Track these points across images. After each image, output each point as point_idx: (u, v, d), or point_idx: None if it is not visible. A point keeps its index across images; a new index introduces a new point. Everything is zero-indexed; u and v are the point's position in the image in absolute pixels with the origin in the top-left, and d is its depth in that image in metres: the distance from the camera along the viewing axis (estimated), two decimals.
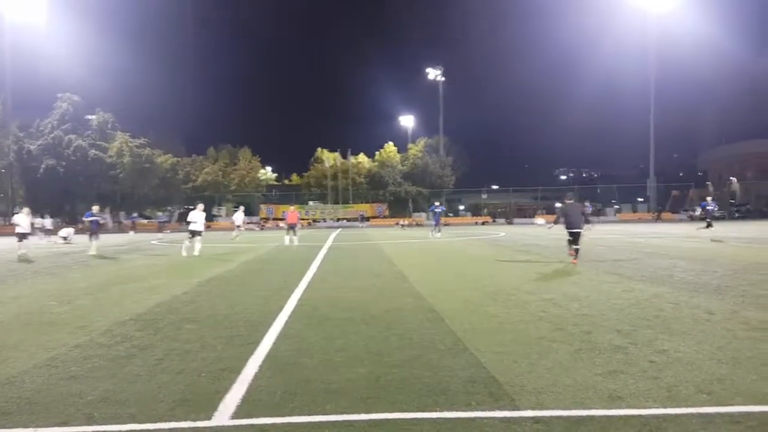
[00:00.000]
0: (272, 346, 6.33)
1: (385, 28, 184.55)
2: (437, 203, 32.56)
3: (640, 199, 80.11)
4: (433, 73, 77.60)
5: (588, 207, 40.03)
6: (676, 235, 28.69)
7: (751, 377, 4.77)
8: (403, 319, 7.65)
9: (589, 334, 6.53)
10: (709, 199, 27.19)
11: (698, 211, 26.54)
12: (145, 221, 67.46)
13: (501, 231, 39.44)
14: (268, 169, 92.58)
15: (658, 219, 65.69)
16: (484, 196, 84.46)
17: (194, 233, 20.39)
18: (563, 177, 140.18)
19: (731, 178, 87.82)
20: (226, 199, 77.25)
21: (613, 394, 4.45)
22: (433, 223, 31.58)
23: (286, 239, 25.51)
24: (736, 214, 68.65)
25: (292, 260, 17.66)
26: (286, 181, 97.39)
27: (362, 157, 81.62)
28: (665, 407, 4.14)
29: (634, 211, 73.97)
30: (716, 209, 29.15)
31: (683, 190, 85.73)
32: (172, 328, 7.47)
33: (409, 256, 18.62)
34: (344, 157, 78.31)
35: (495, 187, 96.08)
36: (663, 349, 5.78)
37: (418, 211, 74.13)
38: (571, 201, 15.29)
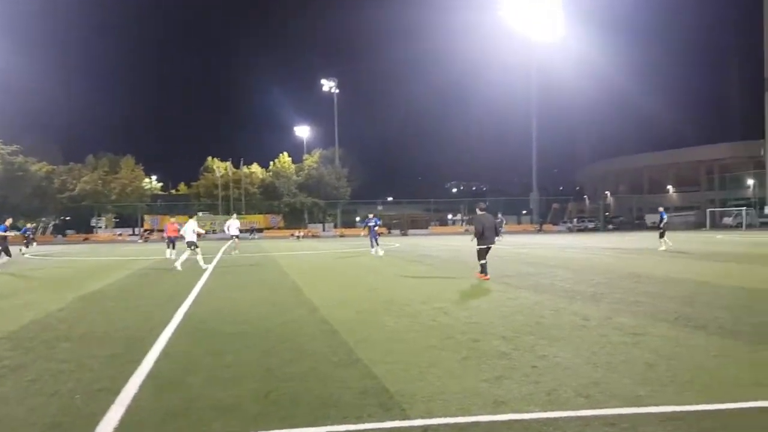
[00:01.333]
0: (155, 364, 6.02)
1: (281, 38, 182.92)
2: (371, 215, 26.95)
3: (524, 212, 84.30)
4: (328, 85, 77.78)
5: (501, 219, 38.65)
6: (557, 246, 30.37)
7: (624, 380, 5.09)
8: (297, 332, 7.55)
9: (477, 342, 6.73)
10: (661, 209, 26.28)
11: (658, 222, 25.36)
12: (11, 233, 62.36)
13: (396, 242, 40.05)
14: (153, 178, 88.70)
15: (540, 230, 69.29)
16: (379, 208, 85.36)
17: (191, 245, 18.83)
18: (454, 190, 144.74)
19: (606, 192, 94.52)
20: (105, 209, 73.17)
21: (498, 400, 4.60)
22: (371, 237, 25.49)
23: (167, 253, 23.39)
24: (610, 226, 73.72)
25: (179, 273, 16.96)
26: (174, 191, 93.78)
27: (255, 167, 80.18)
28: (546, 411, 4.33)
29: (519, 223, 77.60)
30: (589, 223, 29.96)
31: (563, 203, 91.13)
32: (46, 346, 6.94)
33: (304, 268, 18.45)
34: (236, 166, 76.55)
35: (390, 198, 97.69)
36: (544, 355, 6.06)
37: (314, 222, 73.80)
38: (484, 212, 13.70)
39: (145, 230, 66.76)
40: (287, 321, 8.38)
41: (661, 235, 25.31)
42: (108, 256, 27.24)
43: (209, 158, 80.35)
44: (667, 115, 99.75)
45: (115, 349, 6.77)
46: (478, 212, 13.64)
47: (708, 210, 71.39)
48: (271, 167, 79.48)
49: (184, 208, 76.89)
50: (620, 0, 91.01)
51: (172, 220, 24.57)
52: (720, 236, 41.82)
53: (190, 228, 18.99)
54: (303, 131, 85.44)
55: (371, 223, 25.73)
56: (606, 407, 4.38)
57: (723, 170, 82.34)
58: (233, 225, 28.33)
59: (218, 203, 73.77)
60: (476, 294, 11.03)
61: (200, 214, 74.53)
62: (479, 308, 9.24)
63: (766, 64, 68.44)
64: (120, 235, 67.91)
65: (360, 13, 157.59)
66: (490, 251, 13.42)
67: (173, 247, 23.22)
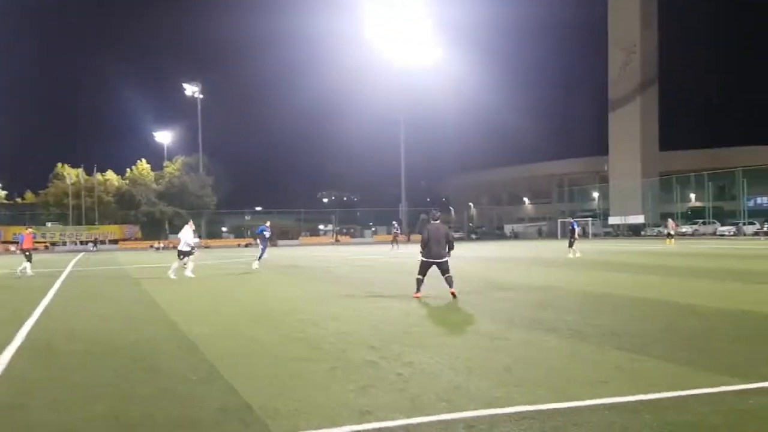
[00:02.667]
0: None
1: (140, 39, 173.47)
2: (268, 223, 24.60)
3: (393, 222, 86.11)
4: (191, 89, 74.64)
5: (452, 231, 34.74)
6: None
7: (483, 383, 5.26)
8: (152, 349, 7.09)
9: (345, 352, 6.69)
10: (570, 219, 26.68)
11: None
12: None
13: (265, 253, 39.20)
14: None
15: (408, 240, 71.11)
16: (247, 218, 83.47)
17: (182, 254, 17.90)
18: (326, 200, 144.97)
19: (469, 203, 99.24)
20: None
21: (364, 409, 4.57)
22: (261, 248, 24.06)
23: (25, 265, 20.96)
24: (474, 236, 77.33)
25: (24, 288, 15.44)
26: (19, 200, 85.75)
27: (111, 174, 75.21)
28: (409, 417, 4.35)
29: (389, 233, 79.15)
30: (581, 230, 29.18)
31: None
32: None
33: (164, 282, 17.51)
34: (89, 173, 71.46)
35: (258, 208, 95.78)
36: (409, 362, 6.13)
37: (176, 233, 70.52)
38: (438, 221, 11.98)
39: None
40: (142, 338, 7.86)
41: (570, 245, 26.26)
42: None
43: (59, 164, 74.25)
44: (525, 132, 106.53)
45: None
46: (431, 221, 12.07)
47: (559, 220, 77.04)
48: (128, 174, 75.01)
49: (31, 217, 70.51)
50: (486, 25, 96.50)
51: (29, 230, 22.83)
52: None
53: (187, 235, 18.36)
54: (164, 137, 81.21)
55: (267, 233, 24.26)
56: (466, 410, 4.48)
57: (572, 183, 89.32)
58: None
59: (69, 212, 68.38)
60: (346, 304, 11.03)
61: (49, 224, 68.74)
62: (348, 318, 9.22)
63: (610, 87, 75.44)
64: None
65: (230, 19, 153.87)
66: (436, 267, 11.60)
67: (30, 260, 21.12)
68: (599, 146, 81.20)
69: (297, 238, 73.74)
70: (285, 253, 40.09)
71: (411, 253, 34.34)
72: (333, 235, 75.89)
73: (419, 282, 11.59)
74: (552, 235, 74.54)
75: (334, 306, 10.72)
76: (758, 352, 6.37)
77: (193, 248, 18.56)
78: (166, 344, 7.46)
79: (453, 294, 11.30)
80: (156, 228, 69.14)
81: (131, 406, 4.81)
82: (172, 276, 17.59)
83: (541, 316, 8.99)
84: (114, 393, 5.21)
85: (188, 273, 17.97)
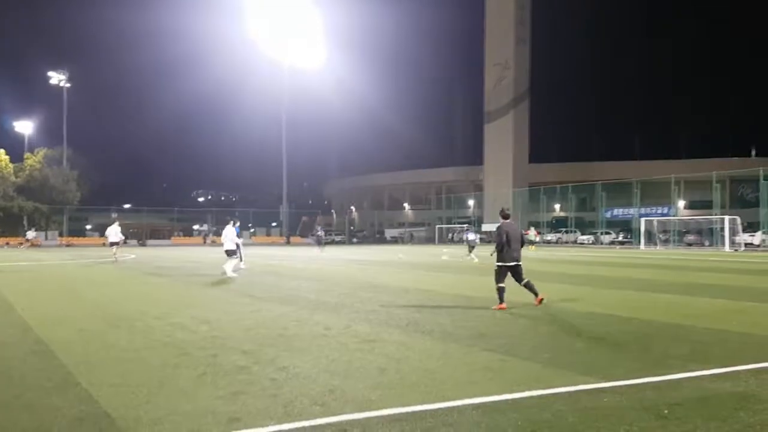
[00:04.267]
0: None
1: None
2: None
3: (273, 224, 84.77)
4: (57, 78, 69.24)
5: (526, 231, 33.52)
6: (304, 258, 31.03)
7: (358, 386, 5.26)
8: (3, 355, 6.49)
9: (216, 357, 6.44)
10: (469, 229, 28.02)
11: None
12: None
13: (132, 253, 37.17)
14: None
15: (288, 242, 70.32)
16: (113, 215, 78.60)
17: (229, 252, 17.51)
18: (201, 199, 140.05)
19: (351, 207, 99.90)
20: None
21: (233, 416, 4.40)
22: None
23: None
24: (355, 239, 77.87)
25: None
26: None
27: None
28: (281, 423, 4.25)
29: (269, 234, 77.82)
30: (476, 239, 31.23)
31: (312, 216, 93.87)
32: None
33: (20, 282, 16.07)
34: None
35: (127, 206, 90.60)
36: (284, 366, 6.01)
37: (35, 230, 64.99)
38: (509, 220, 10.69)
39: None
40: None
41: (471, 249, 27.88)
42: None
43: None
44: (408, 139, 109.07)
45: None
46: (502, 219, 10.61)
47: (437, 226, 79.44)
48: None
49: None
50: (372, 32, 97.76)
51: None
52: (446, 250, 46.69)
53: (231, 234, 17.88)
54: (25, 127, 74.68)
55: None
56: (340, 414, 4.45)
57: (450, 191, 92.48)
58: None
59: None
60: (218, 307, 10.66)
61: None
62: (220, 322, 8.91)
63: (486, 100, 79.08)
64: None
65: (106, 8, 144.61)
66: (510, 271, 10.37)
67: None
68: (476, 156, 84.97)
69: (169, 238, 70.46)
70: (155, 253, 38.21)
71: (292, 256, 33.95)
72: (204, 237, 73.05)
73: (502, 291, 10.26)
74: (430, 240, 76.70)
75: (206, 310, 10.33)
76: (613, 353, 6.87)
77: (238, 246, 18.24)
78: (18, 349, 6.84)
79: (541, 301, 10.32)
80: (13, 224, 63.31)
81: None
82: (230, 274, 17.05)
83: (416, 318, 9.19)
84: None
85: (230, 273, 17.20)
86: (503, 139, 76.51)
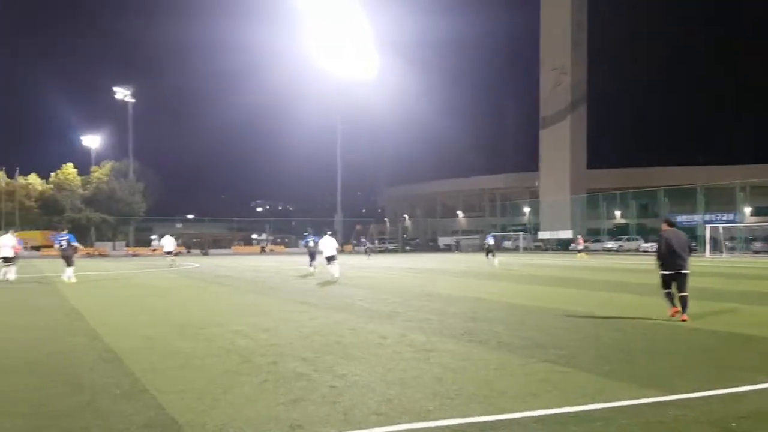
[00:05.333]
0: None
1: (68, 39, 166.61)
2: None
3: (329, 232, 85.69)
4: (122, 93, 72.18)
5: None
6: (356, 266, 31.25)
7: (416, 396, 5.27)
8: (73, 362, 6.77)
9: (276, 364, 6.58)
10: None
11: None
12: None
13: (196, 262, 38.27)
14: None
15: (342, 251, 70.87)
16: (178, 226, 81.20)
17: (329, 259, 20.31)
18: (259, 209, 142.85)
19: (404, 215, 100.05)
20: None
21: (294, 423, 4.49)
22: None
23: (7, 272, 20.03)
24: (408, 248, 77.86)
25: None
26: None
27: (34, 178, 71.61)
28: (342, 431, 4.32)
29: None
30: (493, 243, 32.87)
31: (365, 225, 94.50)
32: None
33: (89, 291, 16.78)
34: (10, 176, 67.80)
35: (190, 216, 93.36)
36: (342, 374, 6.09)
37: (102, 240, 67.76)
38: (672, 228, 10.52)
39: None
40: (62, 350, 7.48)
41: (492, 255, 29.64)
42: None
43: None
44: (460, 146, 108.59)
45: None
46: (665, 228, 10.51)
47: (491, 234, 78.65)
48: (52, 178, 71.65)
49: None
50: (423, 42, 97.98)
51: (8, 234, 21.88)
52: (501, 258, 46.15)
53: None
54: (92, 141, 78.06)
55: None
56: (399, 423, 4.48)
57: (504, 198, 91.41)
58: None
59: None
60: (276, 315, 10.86)
61: None
62: (278, 329, 9.08)
63: (542, 105, 77.92)
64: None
65: (162, 25, 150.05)
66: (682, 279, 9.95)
67: (11, 264, 20.34)
68: (531, 162, 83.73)
69: (230, 247, 72.21)
70: (217, 262, 39.20)
71: (345, 264, 34.25)
72: (263, 245, 74.41)
73: (670, 296, 10.10)
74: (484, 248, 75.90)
75: (265, 317, 10.54)
76: (675, 364, 6.66)
77: (336, 252, 21.10)
78: (87, 356, 7.13)
79: (684, 320, 9.72)
80: (82, 234, 66.22)
81: (51, 422, 4.57)
82: (337, 275, 19.83)
83: (471, 327, 9.13)
84: (32, 408, 4.94)
85: (336, 274, 19.96)
86: (560, 145, 75.09)
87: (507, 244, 76.30)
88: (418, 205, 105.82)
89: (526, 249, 70.98)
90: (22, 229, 65.25)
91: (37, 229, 66.21)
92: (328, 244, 20.98)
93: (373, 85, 73.17)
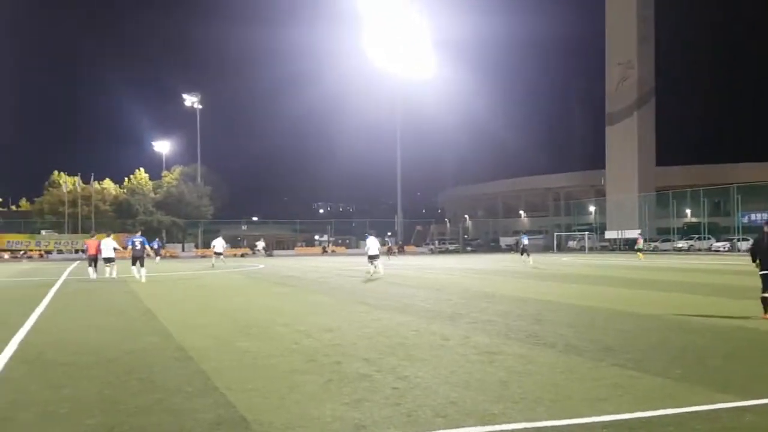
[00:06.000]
0: None
1: (139, 48, 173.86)
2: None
3: (389, 233, 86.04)
4: (190, 100, 74.75)
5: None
6: (417, 266, 31.24)
7: (479, 399, 5.22)
8: (147, 361, 7.04)
9: (339, 364, 6.65)
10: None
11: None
12: None
13: (260, 263, 39.17)
14: None
15: (402, 251, 71.01)
16: (243, 228, 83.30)
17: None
18: (321, 210, 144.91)
19: (465, 215, 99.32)
20: None
21: (359, 423, 4.53)
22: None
23: (90, 272, 22.69)
24: (469, 248, 77.24)
25: (15, 298, 15.37)
26: (14, 208, 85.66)
27: (108, 183, 75.03)
28: None
29: (383, 244, 78.99)
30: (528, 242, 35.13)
31: (425, 226, 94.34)
32: None
33: (160, 291, 17.44)
34: (86, 181, 71.25)
35: (255, 218, 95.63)
36: (405, 375, 6.10)
37: (173, 242, 70.29)
38: None
39: None
40: (136, 349, 7.80)
41: (525, 253, 31.91)
42: None
43: (55, 172, 74.09)
44: (521, 145, 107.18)
45: None
46: (766, 229, 9.98)
47: (555, 234, 77.00)
48: (125, 183, 74.85)
49: (26, 225, 70.27)
50: (482, 42, 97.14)
51: (94, 237, 24.96)
52: (565, 258, 45.18)
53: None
54: (162, 146, 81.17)
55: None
56: (463, 426, 4.45)
57: (568, 197, 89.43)
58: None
59: (65, 221, 68.13)
60: (339, 316, 10.98)
61: (43, 232, 68.44)
62: (342, 330, 9.18)
63: (608, 102, 75.81)
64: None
65: (227, 31, 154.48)
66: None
67: (95, 266, 23.01)
68: (596, 160, 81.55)
69: (292, 248, 73.56)
70: (280, 263, 40.00)
71: (406, 265, 34.28)
72: (325, 246, 75.39)
73: (765, 301, 9.69)
74: (549, 248, 74.52)
75: (328, 317, 10.68)
76: (751, 368, 6.36)
77: (379, 252, 23.45)
78: (160, 355, 7.40)
79: (766, 318, 9.51)
80: (153, 238, 68.92)
81: (125, 419, 4.76)
82: (382, 272, 21.88)
83: (536, 330, 8.97)
84: (107, 405, 5.16)
85: (381, 272, 21.95)
86: (627, 142, 72.79)
87: (572, 244, 74.62)
88: (479, 206, 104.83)
89: (591, 249, 69.17)
90: (97, 232, 68.62)
91: (112, 232, 69.21)
92: (371, 244, 23.20)
93: (434, 85, 73.12)
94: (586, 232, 72.74)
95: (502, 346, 7.67)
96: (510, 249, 76.24)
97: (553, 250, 71.77)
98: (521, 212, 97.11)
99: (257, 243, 60.98)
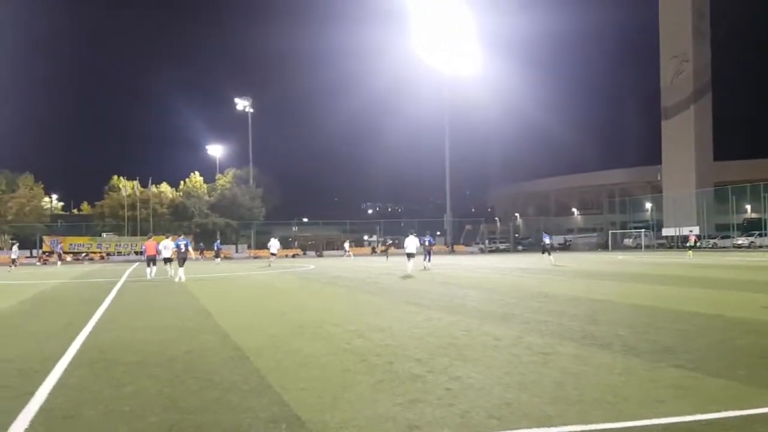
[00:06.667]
0: (48, 397, 5.57)
1: (192, 54, 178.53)
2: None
3: (438, 233, 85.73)
4: (242, 104, 76.38)
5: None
6: (467, 266, 31.03)
7: (534, 400, 5.15)
8: (204, 360, 7.22)
9: (391, 364, 6.68)
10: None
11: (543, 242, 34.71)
12: None
13: (311, 263, 39.63)
14: (54, 197, 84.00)
15: (452, 251, 70.65)
16: (294, 229, 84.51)
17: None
18: (370, 211, 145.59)
19: (516, 214, 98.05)
20: (1, 230, 68.34)
21: (412, 424, 4.54)
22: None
23: (148, 272, 23.89)
24: (520, 247, 76.27)
25: (79, 298, 16.00)
26: (76, 211, 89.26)
27: (165, 187, 77.37)
28: None
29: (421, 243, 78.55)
30: (552, 241, 36.74)
31: (475, 225, 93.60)
32: None
33: (216, 292, 17.86)
34: (144, 185, 73.65)
35: (305, 219, 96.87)
36: (457, 376, 6.07)
37: (226, 243, 71.80)
38: None
39: (44, 252, 62.62)
40: (194, 348, 8.01)
41: (548, 253, 32.97)
42: (1, 281, 25.36)
43: (115, 177, 76.86)
44: (573, 142, 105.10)
45: (5, 380, 6.24)
46: None
47: (610, 231, 75.28)
48: (181, 187, 76.99)
49: (87, 228, 73.05)
50: (531, 37, 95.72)
51: (151, 239, 26.34)
52: (621, 257, 44.11)
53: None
54: (216, 150, 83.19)
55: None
56: (517, 428, 4.40)
57: (623, 194, 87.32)
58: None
59: (124, 224, 70.55)
60: (389, 316, 11.01)
61: (104, 235, 70.99)
62: (393, 330, 9.21)
63: (663, 96, 73.64)
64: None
65: (275, 33, 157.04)
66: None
67: (154, 265, 24.39)
68: (651, 156, 79.36)
69: (342, 249, 74.05)
70: (331, 263, 40.37)
71: (455, 264, 34.09)
72: (374, 246, 75.62)
73: None
74: (604, 246, 72.89)
75: (379, 317, 10.72)
76: None
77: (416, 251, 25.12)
78: (218, 354, 7.57)
79: None
80: (208, 238, 70.60)
81: (184, 416, 4.90)
82: (410, 270, 23.56)
83: (592, 330, 8.79)
84: (168, 403, 5.32)
85: (429, 265, 25.28)
86: (683, 136, 70.60)
87: (628, 241, 72.82)
88: (530, 204, 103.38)
89: (648, 247, 67.29)
90: (156, 235, 70.73)
91: (169, 234, 71.24)
92: (410, 243, 24.80)
93: (482, 81, 72.47)
94: (643, 230, 70.85)
95: (556, 347, 7.55)
96: (563, 247, 74.97)
97: (608, 248, 70.15)
98: (574, 210, 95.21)
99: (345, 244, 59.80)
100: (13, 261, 34.49)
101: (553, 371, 6.22)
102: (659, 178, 75.88)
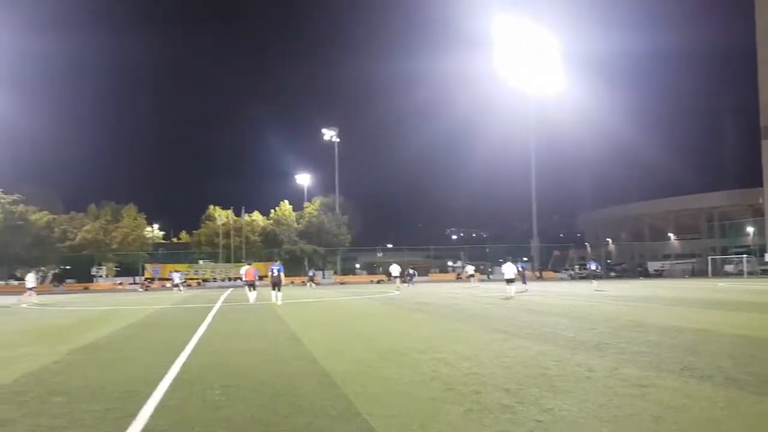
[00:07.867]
0: (150, 418, 5.89)
1: (281, 86, 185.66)
2: (278, 262, 32.83)
3: (525, 258, 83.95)
4: (329, 134, 78.54)
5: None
6: (556, 293, 30.15)
7: None
8: (295, 385, 7.41)
9: (479, 394, 6.59)
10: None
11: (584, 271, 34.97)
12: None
13: (396, 289, 39.78)
14: (155, 226, 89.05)
15: (540, 277, 68.87)
16: (379, 255, 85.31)
17: (509, 281, 27.98)
18: (454, 236, 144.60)
19: (607, 239, 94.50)
20: (106, 258, 73.02)
21: None
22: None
23: (250, 296, 25.76)
24: (612, 273, 73.35)
25: (178, 323, 16.80)
26: (175, 240, 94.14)
27: (256, 215, 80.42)
28: None
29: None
30: (598, 268, 38.94)
31: (564, 250, 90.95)
32: (38, 401, 6.81)
33: (304, 317, 18.27)
34: (237, 214, 76.80)
35: (390, 245, 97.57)
36: (549, 408, 5.92)
37: (314, 269, 73.40)
38: None
39: (146, 279, 66.35)
40: (285, 373, 8.23)
41: (595, 279, 37.11)
42: (108, 306, 27.05)
43: (211, 206, 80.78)
44: (666, 164, 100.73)
45: (110, 403, 6.64)
46: None
47: (709, 257, 71.15)
48: (271, 215, 79.69)
49: (185, 256, 76.78)
50: (617, 56, 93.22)
51: (249, 265, 28.38)
52: (722, 284, 41.53)
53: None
54: (304, 179, 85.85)
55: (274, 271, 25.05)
56: None
57: (723, 218, 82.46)
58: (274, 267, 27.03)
59: (219, 251, 73.65)
60: (476, 343, 10.87)
61: (200, 262, 74.36)
62: (480, 358, 9.09)
63: (762, 114, 69.40)
64: (120, 284, 67.53)
65: (360, 63, 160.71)
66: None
67: (254, 289, 26.24)
68: (752, 177, 74.64)
69: (427, 275, 73.97)
70: (416, 289, 40.34)
71: (543, 291, 33.23)
72: (458, 273, 74.98)
73: None
74: (703, 272, 68.91)
75: (466, 345, 10.61)
76: None
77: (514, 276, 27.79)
78: (307, 379, 7.74)
79: None
80: (297, 265, 72.47)
81: None
82: (511, 294, 26.36)
83: (692, 361, 8.33)
84: (260, 427, 5.50)
85: (512, 293, 25.78)
86: None
87: (729, 268, 68.53)
88: (621, 228, 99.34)
89: (751, 273, 63.01)
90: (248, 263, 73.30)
91: (260, 261, 73.69)
92: (507, 269, 27.47)
93: (568, 103, 70.98)
94: (744, 255, 66.49)
95: (654, 379, 7.21)
96: (659, 274, 71.33)
97: (708, 274, 66.25)
98: (670, 234, 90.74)
99: (356, 266, 60.29)
100: (30, 290, 34.45)
101: (651, 405, 5.94)
102: (761, 200, 71.15)
